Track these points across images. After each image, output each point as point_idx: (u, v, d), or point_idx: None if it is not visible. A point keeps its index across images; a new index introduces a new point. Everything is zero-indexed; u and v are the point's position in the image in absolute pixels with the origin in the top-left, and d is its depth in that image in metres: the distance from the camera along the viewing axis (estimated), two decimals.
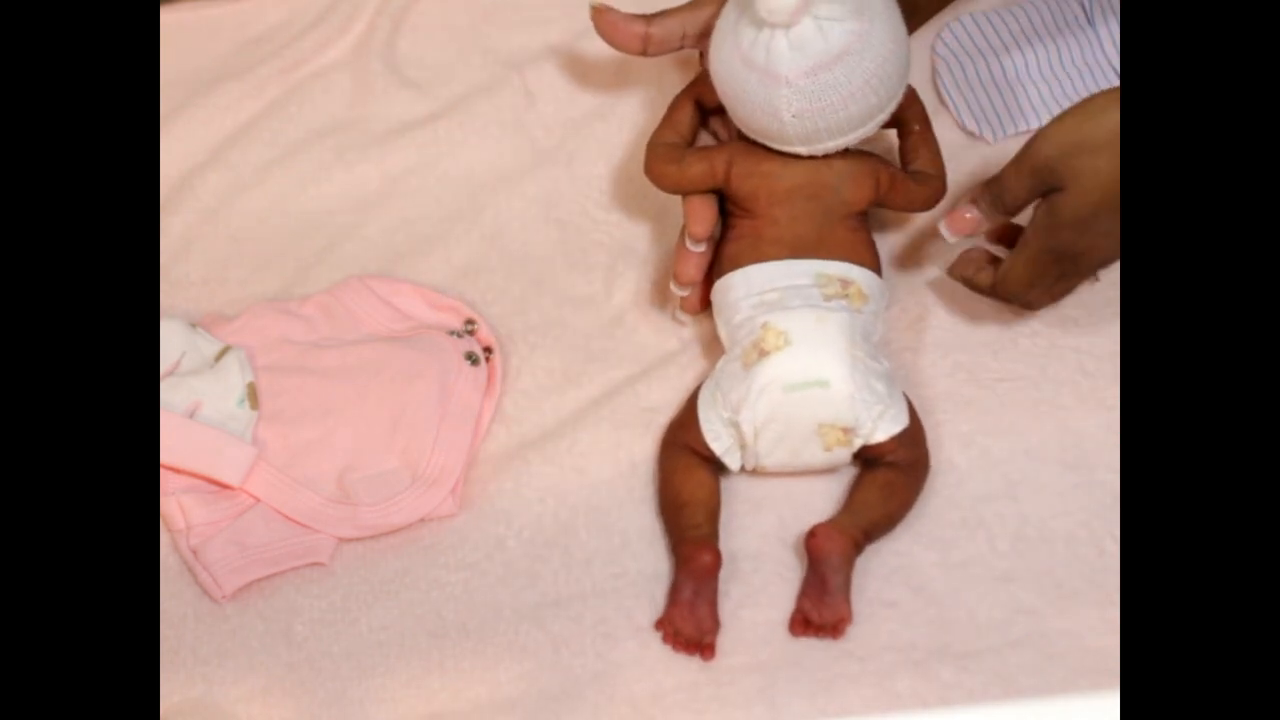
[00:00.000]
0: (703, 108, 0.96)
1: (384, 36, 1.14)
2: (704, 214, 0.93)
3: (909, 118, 0.95)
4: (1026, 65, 1.06)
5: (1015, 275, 0.87)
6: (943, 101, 1.05)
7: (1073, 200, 0.82)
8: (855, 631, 0.84)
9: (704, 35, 0.95)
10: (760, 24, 0.85)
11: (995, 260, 0.90)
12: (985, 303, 0.95)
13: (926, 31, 1.08)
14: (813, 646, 0.83)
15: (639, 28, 0.96)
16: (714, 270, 0.93)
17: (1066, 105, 1.02)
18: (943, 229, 0.90)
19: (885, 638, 0.83)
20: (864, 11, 0.86)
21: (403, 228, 1.06)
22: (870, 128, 0.90)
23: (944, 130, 1.04)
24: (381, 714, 0.84)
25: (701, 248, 0.93)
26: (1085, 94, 1.03)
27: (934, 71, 1.07)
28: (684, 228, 0.93)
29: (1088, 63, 1.06)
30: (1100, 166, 0.80)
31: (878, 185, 0.92)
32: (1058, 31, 1.07)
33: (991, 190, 0.87)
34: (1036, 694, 0.80)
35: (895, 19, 0.88)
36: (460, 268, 1.03)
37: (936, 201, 0.95)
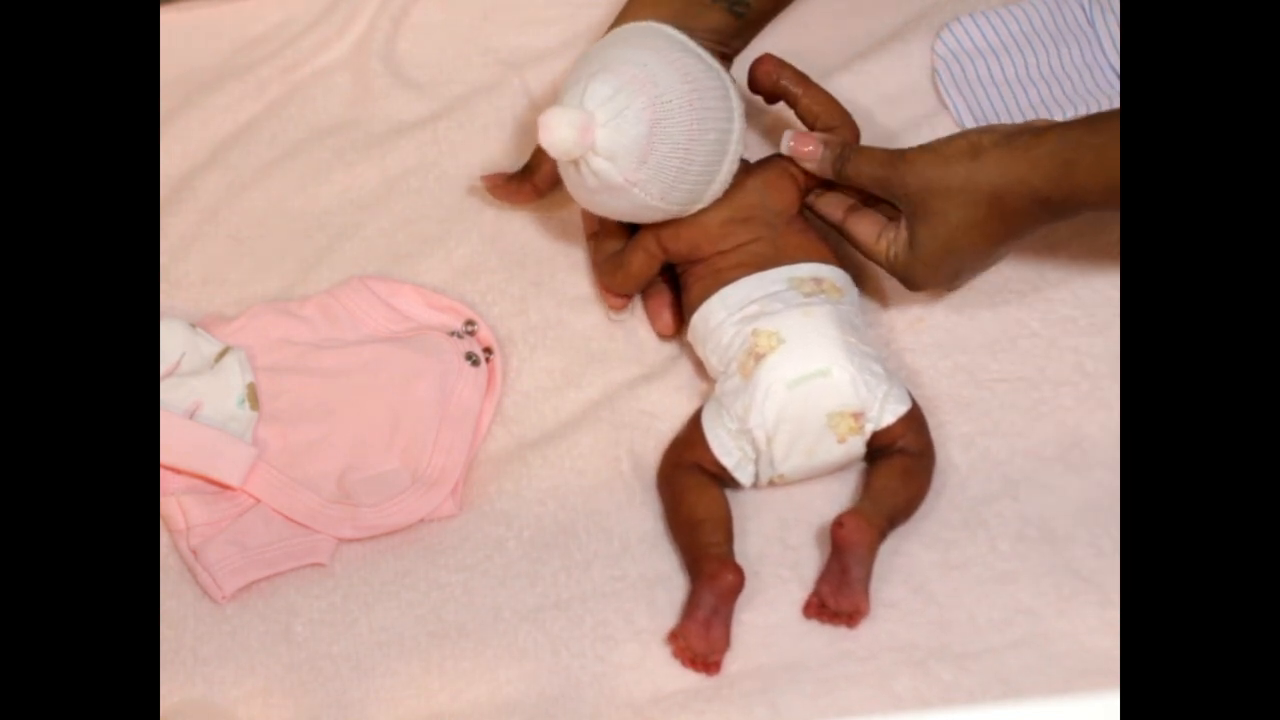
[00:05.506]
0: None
1: (384, 36, 1.14)
2: (663, 313, 0.97)
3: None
4: (1026, 65, 1.06)
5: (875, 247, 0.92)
6: (943, 101, 1.05)
7: (926, 235, 0.87)
8: (855, 631, 0.84)
9: None
10: (571, 160, 0.87)
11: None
12: (985, 304, 0.95)
13: (927, 31, 1.08)
14: (813, 648, 0.83)
15: (526, 187, 1.00)
16: (685, 311, 0.94)
17: (1066, 105, 1.03)
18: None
19: (885, 638, 0.83)
20: (634, 83, 0.86)
21: (403, 228, 1.06)
22: (735, 150, 0.90)
23: (943, 130, 1.04)
24: (381, 714, 0.84)
25: (671, 332, 0.96)
26: (1085, 94, 1.04)
27: (934, 71, 1.07)
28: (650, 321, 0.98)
29: (1087, 63, 1.06)
30: (949, 210, 0.86)
31: (797, 182, 0.93)
32: (1057, 32, 1.07)
33: (841, 154, 0.90)
34: (1036, 694, 0.80)
35: (669, 54, 0.88)
36: (460, 268, 1.03)
37: (859, 138, 0.95)
